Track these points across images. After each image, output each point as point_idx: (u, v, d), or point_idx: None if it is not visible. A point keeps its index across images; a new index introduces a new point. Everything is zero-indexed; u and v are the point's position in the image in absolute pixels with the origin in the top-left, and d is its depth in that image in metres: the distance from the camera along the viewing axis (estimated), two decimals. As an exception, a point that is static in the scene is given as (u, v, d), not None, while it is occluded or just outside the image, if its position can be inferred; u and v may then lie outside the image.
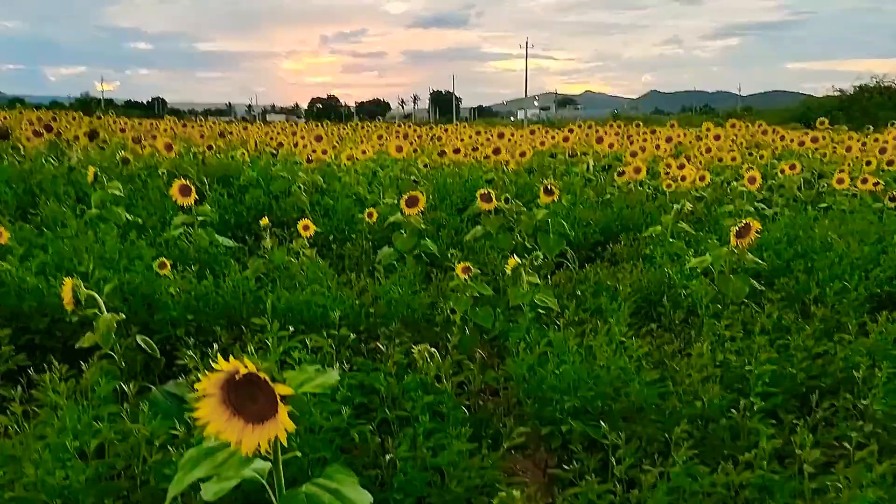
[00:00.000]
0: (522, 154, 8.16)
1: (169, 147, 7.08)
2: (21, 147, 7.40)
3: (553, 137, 10.43)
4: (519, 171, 7.99)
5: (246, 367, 1.11)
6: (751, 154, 9.14)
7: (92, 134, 7.45)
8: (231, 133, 10.40)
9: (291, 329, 2.43)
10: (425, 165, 8.25)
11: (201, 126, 10.10)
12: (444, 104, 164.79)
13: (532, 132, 11.93)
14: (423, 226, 5.13)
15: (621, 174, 6.84)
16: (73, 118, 14.21)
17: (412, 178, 7.90)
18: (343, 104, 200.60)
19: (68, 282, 2.78)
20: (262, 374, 1.11)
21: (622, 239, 5.35)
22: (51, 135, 7.53)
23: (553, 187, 5.16)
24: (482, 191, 5.01)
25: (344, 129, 16.30)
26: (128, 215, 5.19)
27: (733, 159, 7.95)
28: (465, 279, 3.53)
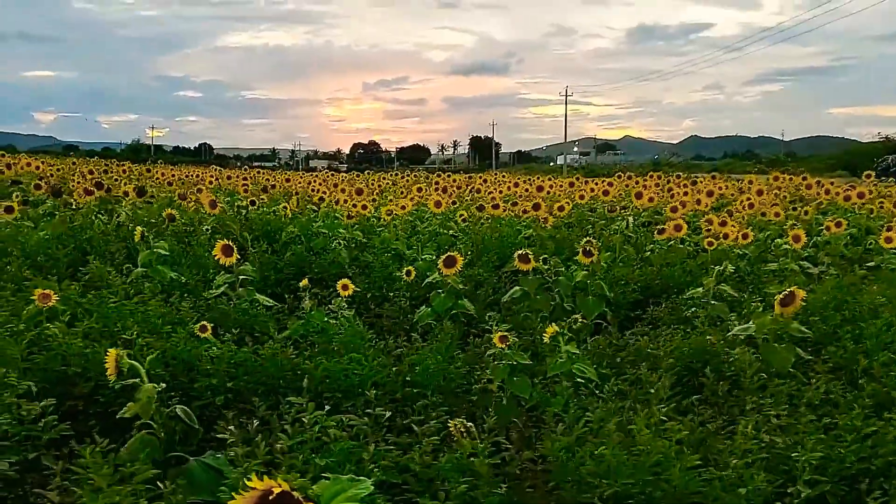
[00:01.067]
0: (561, 208, 8.10)
1: (213, 204, 7.21)
2: (73, 202, 7.61)
3: (592, 189, 10.36)
4: (558, 225, 7.92)
5: (280, 485, 1.11)
6: (794, 209, 8.98)
7: (140, 191, 7.66)
8: (274, 186, 10.53)
9: (328, 407, 2.42)
10: (464, 220, 8.21)
11: (245, 180, 10.28)
12: (484, 149, 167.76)
13: (571, 184, 11.92)
14: (460, 286, 5.12)
15: (661, 232, 6.75)
16: (124, 170, 14.69)
17: (451, 232, 7.88)
18: (384, 149, 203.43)
19: (112, 352, 2.83)
20: (295, 494, 1.11)
21: (662, 300, 5.26)
22: (101, 191, 7.74)
23: (592, 249, 5.12)
24: (520, 252, 4.95)
25: (384, 178, 16.51)
26: (172, 274, 5.28)
27: (776, 215, 7.81)
28: (502, 348, 3.51)
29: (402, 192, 11.90)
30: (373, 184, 14.52)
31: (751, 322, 3.93)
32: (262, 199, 8.79)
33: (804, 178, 11.56)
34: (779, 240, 6.83)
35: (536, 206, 7.85)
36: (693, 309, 4.83)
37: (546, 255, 5.37)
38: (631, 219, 7.52)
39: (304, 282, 4.63)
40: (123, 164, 20.05)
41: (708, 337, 3.94)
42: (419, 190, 10.29)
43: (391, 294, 5.54)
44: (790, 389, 3.29)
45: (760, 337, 3.85)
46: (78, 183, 8.78)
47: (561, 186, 12.36)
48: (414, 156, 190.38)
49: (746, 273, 6.09)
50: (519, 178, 14.78)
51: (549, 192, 10.61)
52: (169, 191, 10.32)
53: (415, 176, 17.93)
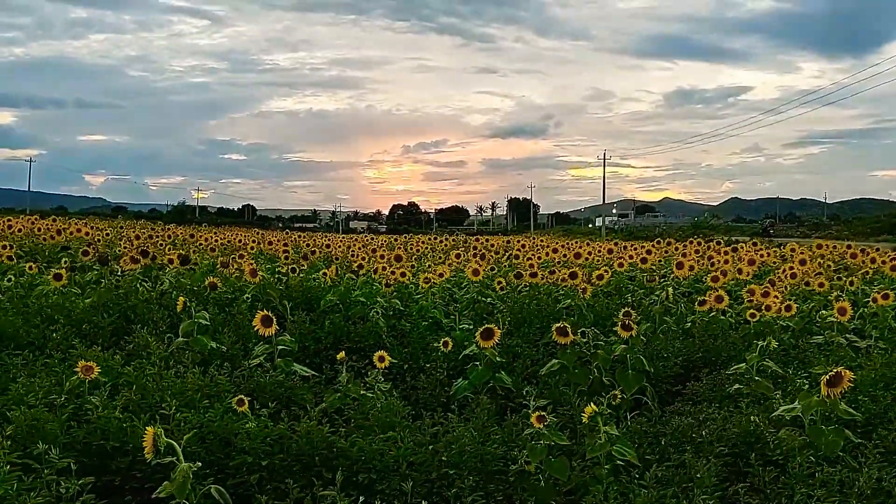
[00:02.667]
0: (600, 277, 8.02)
1: (254, 273, 7.24)
2: (119, 269, 7.77)
3: (631, 257, 10.27)
4: (597, 294, 7.83)
5: None
6: (839, 278, 8.76)
7: (184, 259, 7.78)
8: (314, 253, 10.64)
9: (362, 499, 2.38)
10: (502, 287, 8.18)
11: (286, 246, 10.37)
12: (522, 210, 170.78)
13: (610, 250, 11.84)
14: (497, 358, 5.08)
15: (703, 303, 6.63)
16: (169, 235, 15.02)
17: (489, 300, 7.84)
18: (423, 210, 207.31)
19: (150, 431, 2.84)
20: None
21: (704, 375, 5.12)
22: (146, 259, 7.90)
23: (631, 322, 5.04)
24: (558, 325, 4.90)
25: (422, 241, 16.72)
26: (213, 344, 5.32)
27: (821, 285, 7.63)
28: (539, 428, 3.44)
29: (440, 258, 11.88)
30: (411, 248, 14.65)
31: (797, 402, 3.79)
32: (302, 265, 8.80)
33: (849, 247, 11.33)
34: (824, 311, 6.65)
35: (574, 275, 7.75)
36: (736, 385, 4.70)
37: (585, 327, 5.30)
38: (671, 289, 7.39)
39: (341, 355, 4.63)
40: (168, 229, 20.54)
41: (753, 418, 3.81)
42: (457, 256, 10.28)
43: (428, 365, 5.49)
44: (841, 476, 3.16)
45: (807, 418, 3.71)
46: (124, 248, 8.99)
47: (599, 252, 12.25)
48: (452, 217, 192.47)
49: (791, 347, 5.91)
50: (557, 243, 14.72)
51: (587, 259, 10.55)
52: (211, 257, 10.45)
53: (453, 240, 18.04)
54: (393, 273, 8.03)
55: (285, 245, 10.91)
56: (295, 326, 6.38)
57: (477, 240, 16.29)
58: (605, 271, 8.14)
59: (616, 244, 14.76)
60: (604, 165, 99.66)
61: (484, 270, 8.36)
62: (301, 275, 8.24)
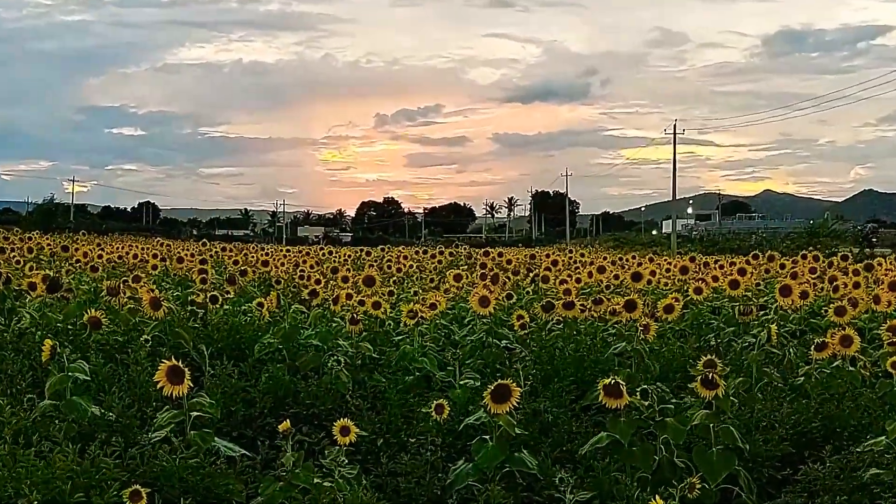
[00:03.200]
0: (669, 308, 7.93)
1: (156, 304, 7.19)
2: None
3: (716, 278, 10.14)
4: (665, 334, 7.84)
5: None
6: None
7: (52, 285, 7.63)
8: (244, 273, 10.42)
9: None
10: (523, 324, 8.15)
11: (203, 264, 10.12)
12: (552, 210, 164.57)
13: (684, 269, 11.61)
14: (516, 430, 5.06)
15: (821, 347, 6.58)
16: (30, 248, 14.79)
17: (504, 343, 7.78)
18: (407, 211, 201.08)
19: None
20: None
21: (826, 453, 5.06)
22: (-1, 283, 7.82)
23: (716, 376, 5.03)
24: (607, 381, 4.91)
25: (406, 257, 16.30)
26: (95, 409, 5.22)
27: None
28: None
29: (431, 281, 11.82)
30: (389, 266, 14.39)
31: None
32: (228, 292, 8.73)
33: None
34: None
35: (631, 305, 7.65)
36: (873, 470, 4.65)
37: (646, 384, 5.33)
38: (774, 326, 7.28)
39: (285, 425, 4.58)
40: (29, 237, 20.24)
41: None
42: (457, 278, 10.14)
43: (413, 440, 5.48)
44: None
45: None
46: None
47: (668, 272, 12.05)
48: (450, 220, 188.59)
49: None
50: (605, 258, 14.46)
51: (650, 283, 10.40)
52: (93, 280, 10.29)
53: (451, 254, 17.72)
54: (362, 303, 8.01)
55: (202, 262, 10.66)
56: (217, 383, 6.38)
57: (486, 253, 15.73)
58: (677, 300, 8.03)
59: (693, 260, 14.42)
60: (674, 143, 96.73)
61: (497, 299, 8.27)
62: (226, 307, 8.26)
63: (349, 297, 8.31)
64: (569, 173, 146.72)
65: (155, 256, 13.32)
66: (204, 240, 21.46)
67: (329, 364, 6.77)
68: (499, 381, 4.97)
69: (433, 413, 5.51)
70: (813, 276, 10.80)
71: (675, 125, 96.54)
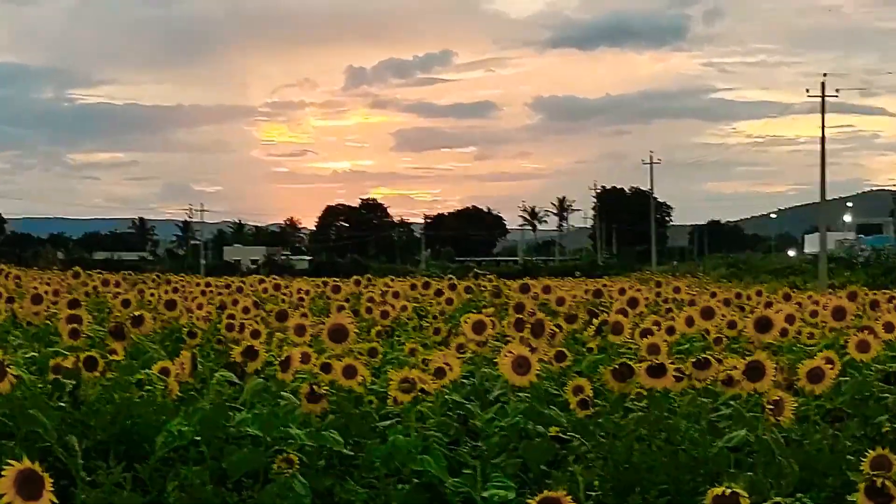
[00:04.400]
0: (815, 376, 6.58)
1: None
2: None
3: (891, 327, 8.54)
4: (808, 417, 6.70)
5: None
6: None
7: None
8: (140, 320, 8.26)
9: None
10: (584, 402, 6.65)
11: (74, 307, 8.61)
12: (628, 219, 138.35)
13: (838, 310, 9.56)
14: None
15: None
16: None
17: (552, 431, 6.64)
18: (396, 220, 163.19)
19: None
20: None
21: None
22: None
23: (888, 482, 4.34)
24: (718, 491, 4.04)
25: (395, 294, 14.00)
26: None
27: None
28: None
29: (437, 333, 10.17)
30: (371, 310, 11.92)
31: None
32: (114, 351, 7.42)
33: None
34: None
35: (756, 371, 6.24)
36: None
37: (781, 497, 4.57)
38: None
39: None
40: None
41: None
42: (478, 327, 8.20)
43: None
44: None
45: None
46: None
47: (815, 316, 10.40)
48: (466, 236, 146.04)
49: None
50: (713, 295, 12.67)
51: (785, 334, 8.84)
52: None
53: (467, 289, 14.31)
54: (327, 369, 6.68)
55: (73, 304, 9.19)
56: (98, 497, 5.65)
57: (525, 288, 12.88)
58: (829, 362, 6.82)
59: (853, 297, 12.26)
60: (822, 112, 70.05)
61: (541, 361, 7.03)
62: (111, 375, 7.14)
63: (306, 358, 6.90)
64: (655, 160, 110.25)
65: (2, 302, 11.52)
66: (76, 268, 17.06)
67: (275, 467, 5.66)
68: (546, 492, 4.10)
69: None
70: None
71: (823, 83, 69.78)
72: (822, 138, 70.44)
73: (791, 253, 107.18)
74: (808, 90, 70.58)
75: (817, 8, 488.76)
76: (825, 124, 69.85)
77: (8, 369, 5.79)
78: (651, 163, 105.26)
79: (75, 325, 7.89)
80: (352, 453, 6.27)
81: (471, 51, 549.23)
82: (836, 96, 70.20)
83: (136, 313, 8.02)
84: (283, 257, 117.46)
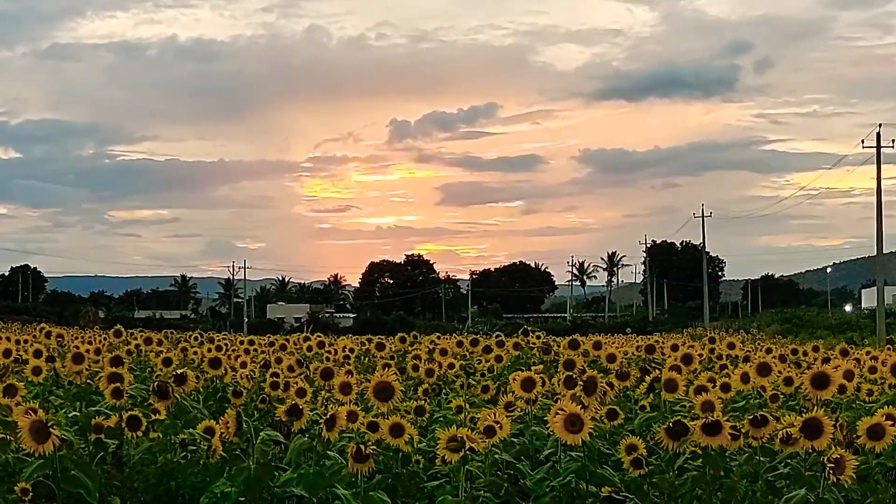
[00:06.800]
0: (876, 433, 6.32)
1: (41, 430, 5.72)
2: None
3: None
4: (870, 476, 6.69)
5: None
6: None
7: None
8: (184, 378, 7.88)
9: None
10: (637, 461, 6.70)
11: (117, 366, 8.16)
12: (679, 274, 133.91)
13: None
14: None
15: None
16: None
17: (605, 493, 6.66)
18: (444, 275, 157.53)
19: None
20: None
21: None
22: None
23: None
24: None
25: (441, 351, 13.40)
26: None
27: None
28: None
29: (485, 391, 9.99)
30: (417, 367, 11.70)
31: None
32: (157, 411, 7.34)
33: None
34: None
35: (815, 428, 6.28)
36: None
37: None
38: None
39: None
40: None
41: None
42: (527, 385, 8.07)
43: None
44: None
45: None
46: None
47: (874, 372, 10.22)
48: (514, 292, 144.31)
49: None
50: (769, 351, 12.37)
51: (844, 391, 8.60)
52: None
53: (516, 345, 14.02)
54: (373, 428, 6.76)
55: (115, 362, 8.74)
56: None
57: (574, 344, 12.14)
58: (891, 419, 6.59)
59: None
60: (878, 162, 67.77)
61: (593, 419, 6.83)
62: (154, 435, 7.23)
63: (352, 417, 6.88)
64: (707, 213, 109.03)
65: (38, 355, 10.90)
66: (118, 326, 16.72)
67: None
68: None
69: None
70: None
71: (878, 133, 67.90)
72: (879, 189, 68.19)
73: (848, 308, 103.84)
74: (862, 141, 68.94)
75: (870, 57, 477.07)
76: (880, 175, 68.30)
77: (52, 430, 5.77)
78: (703, 216, 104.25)
79: (118, 385, 7.79)
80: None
81: (517, 103, 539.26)
82: (892, 147, 68.32)
83: (179, 371, 7.90)
84: (327, 315, 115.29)
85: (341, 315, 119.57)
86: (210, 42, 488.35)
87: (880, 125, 71.58)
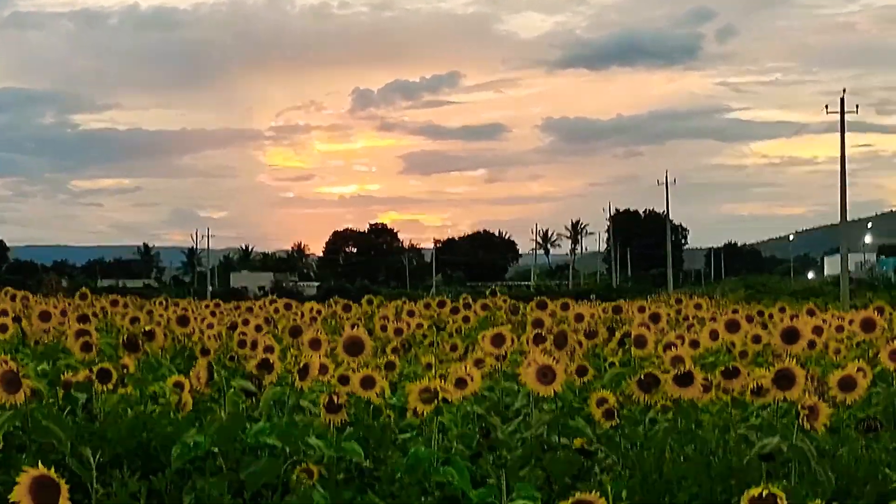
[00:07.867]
0: (848, 384, 6.56)
1: (12, 382, 5.67)
2: None
3: None
4: (841, 427, 6.78)
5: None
6: None
7: None
8: (151, 334, 8.30)
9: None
10: (609, 412, 6.59)
11: (83, 322, 8.66)
12: (643, 243, 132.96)
13: (867, 322, 9.19)
14: None
15: None
16: None
17: (577, 443, 6.57)
18: (407, 246, 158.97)
19: None
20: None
21: None
22: None
23: None
24: (756, 491, 3.93)
25: (409, 314, 13.52)
26: None
27: None
28: None
29: (454, 349, 9.96)
30: (385, 328, 11.54)
31: None
32: (125, 364, 7.17)
33: None
34: None
35: (787, 379, 6.23)
36: None
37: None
38: None
39: None
40: None
41: None
42: (497, 340, 8.07)
43: None
44: None
45: None
46: None
47: (841, 331, 10.28)
48: (478, 260, 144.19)
49: None
50: (735, 312, 12.23)
51: (814, 346, 8.68)
52: None
53: (484, 306, 14.63)
54: (344, 381, 6.56)
55: (82, 319, 8.90)
56: None
57: (542, 305, 12.51)
58: (861, 371, 6.72)
59: (881, 311, 12.03)
60: (841, 130, 66.31)
61: (565, 375, 6.85)
62: (124, 388, 7.02)
63: (324, 369, 6.80)
64: (671, 181, 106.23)
65: (3, 314, 11.00)
66: (83, 289, 16.10)
67: (294, 478, 5.74)
68: (578, 495, 4.12)
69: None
70: None
71: (841, 100, 65.94)
72: (843, 157, 65.84)
73: (811, 275, 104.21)
74: (826, 107, 67.37)
75: (833, 25, 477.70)
76: (844, 143, 66.38)
77: (25, 383, 5.74)
78: (666, 184, 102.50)
79: (86, 339, 7.84)
80: (371, 465, 6.24)
81: (479, 72, 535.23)
82: (856, 113, 67.86)
83: (148, 328, 7.93)
84: (291, 283, 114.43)
85: (305, 284, 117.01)
86: (172, 10, 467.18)
87: (844, 90, 70.59)
